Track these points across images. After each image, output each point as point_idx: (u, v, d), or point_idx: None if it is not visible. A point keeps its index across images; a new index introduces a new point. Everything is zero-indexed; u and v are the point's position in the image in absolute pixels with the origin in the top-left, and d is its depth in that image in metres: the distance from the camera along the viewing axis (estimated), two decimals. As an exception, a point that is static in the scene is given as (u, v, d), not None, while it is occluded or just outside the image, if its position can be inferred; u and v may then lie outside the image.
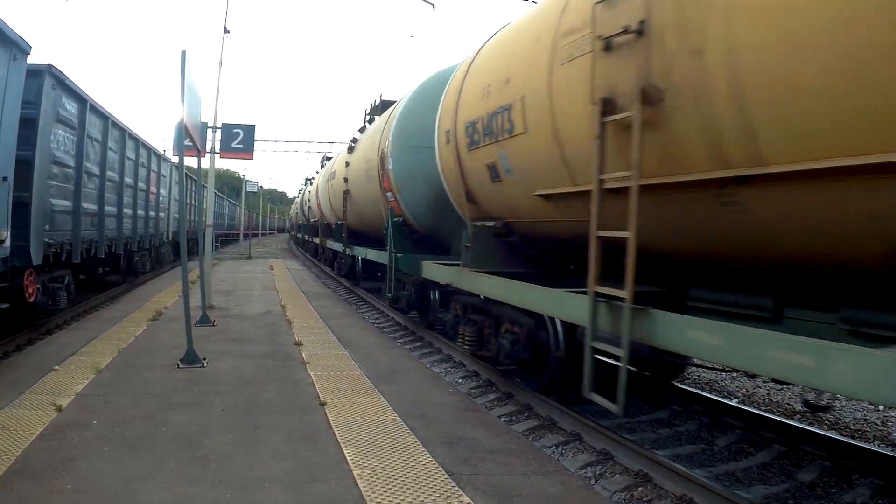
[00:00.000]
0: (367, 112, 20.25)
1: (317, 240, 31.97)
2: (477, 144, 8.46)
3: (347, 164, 19.60)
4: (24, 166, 9.99)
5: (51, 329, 12.27)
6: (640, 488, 6.09)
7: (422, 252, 13.15)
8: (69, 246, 12.34)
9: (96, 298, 16.46)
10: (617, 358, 5.39)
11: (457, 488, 5.26)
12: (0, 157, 8.95)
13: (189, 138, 10.29)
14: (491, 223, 8.91)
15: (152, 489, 4.99)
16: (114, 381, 8.16)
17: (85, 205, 13.06)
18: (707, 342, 4.83)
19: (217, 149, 15.48)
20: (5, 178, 9.11)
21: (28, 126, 10.04)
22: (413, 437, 6.50)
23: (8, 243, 9.30)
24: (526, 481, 5.60)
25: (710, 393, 9.34)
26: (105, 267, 17.60)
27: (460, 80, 9.32)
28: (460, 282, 9.59)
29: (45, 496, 4.80)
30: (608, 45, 5.39)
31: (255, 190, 56.72)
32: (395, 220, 13.75)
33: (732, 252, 5.22)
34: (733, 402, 8.86)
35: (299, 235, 50.14)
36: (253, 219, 77.02)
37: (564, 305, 6.69)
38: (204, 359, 9.38)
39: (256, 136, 16.24)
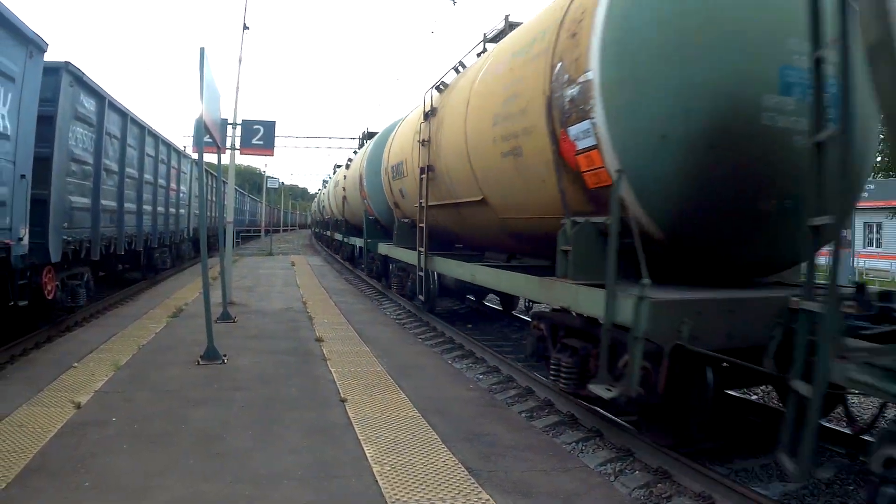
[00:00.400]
0: (360, 137, 28.80)
1: (328, 233, 40.24)
2: (393, 178, 16.32)
3: (345, 176, 27.94)
4: (42, 164, 10.03)
5: (70, 326, 12.30)
6: (658, 485, 6.01)
7: (382, 239, 19.56)
8: (88, 243, 12.36)
9: (116, 295, 16.50)
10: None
11: (476, 485, 5.19)
12: (18, 154, 8.96)
13: (209, 135, 10.26)
14: (405, 220, 16.07)
15: (170, 485, 4.95)
16: (133, 377, 8.15)
17: (104, 202, 13.08)
18: (454, 269, 11.70)
19: (237, 145, 15.45)
20: (24, 176, 9.12)
21: (46, 123, 10.07)
22: (433, 433, 6.44)
23: (26, 241, 9.32)
24: (545, 478, 5.53)
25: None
26: (125, 264, 17.66)
27: (388, 142, 17.94)
28: (392, 253, 16.97)
29: (63, 493, 4.77)
30: (422, 143, 12.76)
31: (276, 186, 56.85)
32: (369, 218, 20.96)
33: (465, 232, 12.60)
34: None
35: (317, 230, 56.05)
36: (274, 215, 77.26)
37: (413, 257, 14.09)
38: (224, 355, 9.35)
39: (277, 132, 16.28)
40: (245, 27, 14.99)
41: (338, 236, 33.31)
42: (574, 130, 6.88)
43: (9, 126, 8.68)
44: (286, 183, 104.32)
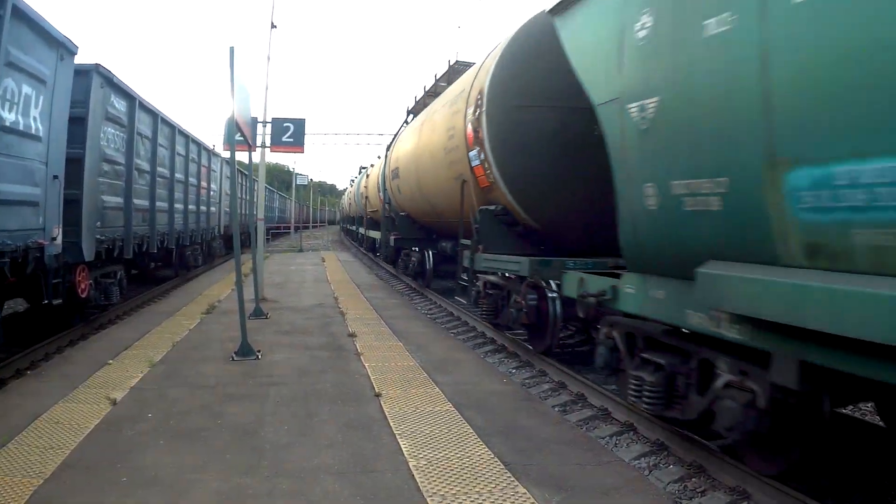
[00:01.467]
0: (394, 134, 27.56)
1: (354, 228, 44.36)
2: (392, 180, 20.16)
3: (367, 176, 33.63)
4: (74, 164, 10.15)
5: (103, 324, 12.44)
6: (693, 479, 5.98)
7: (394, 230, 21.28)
8: (121, 242, 12.49)
9: (149, 293, 16.68)
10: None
11: (512, 479, 5.14)
12: (51, 155, 9.05)
13: (240, 133, 10.29)
14: (403, 213, 19.51)
15: (208, 480, 4.96)
16: (168, 374, 8.19)
17: (136, 201, 13.22)
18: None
19: (268, 143, 15.50)
20: (56, 177, 9.22)
21: (78, 124, 10.22)
22: (468, 427, 6.39)
23: (60, 240, 9.41)
24: (581, 471, 5.46)
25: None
26: (157, 262, 17.82)
27: (384, 159, 24.25)
28: (400, 241, 20.44)
29: (101, 488, 4.79)
30: (393, 175, 19.23)
31: (305, 183, 57.07)
32: (386, 215, 23.01)
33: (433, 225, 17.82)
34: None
35: (346, 226, 58.21)
36: (303, 211, 77.61)
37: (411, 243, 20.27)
38: (258, 351, 9.38)
39: (305, 130, 16.25)
40: (273, 26, 14.99)
41: (361, 230, 37.98)
42: (472, 153, 10.96)
43: (41, 128, 8.77)
44: (314, 179, 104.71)
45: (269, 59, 15.44)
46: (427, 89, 33.62)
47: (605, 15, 6.22)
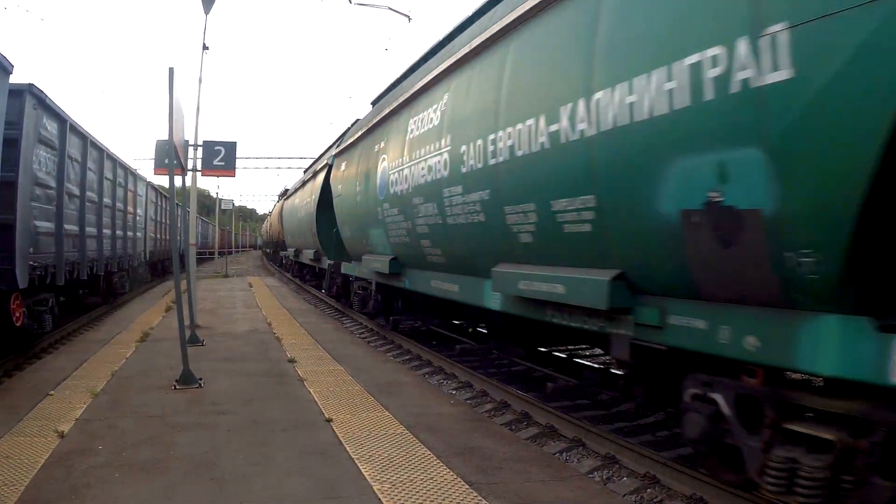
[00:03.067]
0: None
1: (279, 251, 45.44)
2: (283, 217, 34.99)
3: (281, 213, 37.78)
4: (7, 188, 9.85)
5: (37, 353, 12.08)
6: (648, 490, 6.12)
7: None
8: (53, 268, 12.16)
9: (79, 321, 16.26)
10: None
11: (479, 498, 5.20)
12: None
13: (175, 156, 10.17)
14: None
15: (172, 513, 4.88)
16: (112, 404, 8.00)
17: (67, 226, 12.87)
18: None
19: (199, 166, 15.32)
20: None
21: (10, 147, 9.88)
22: (425, 449, 6.43)
23: (-6, 267, 9.14)
24: (544, 487, 5.57)
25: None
26: (85, 288, 17.35)
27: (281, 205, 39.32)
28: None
29: (63, 525, 4.67)
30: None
31: (230, 208, 56.30)
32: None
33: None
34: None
35: (269, 251, 58.97)
36: (225, 236, 76.45)
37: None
38: (200, 379, 9.23)
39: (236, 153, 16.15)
40: (204, 47, 14.86)
41: (286, 253, 39.27)
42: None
43: (-27, 150, 8.52)
44: (236, 204, 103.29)
45: (200, 81, 15.24)
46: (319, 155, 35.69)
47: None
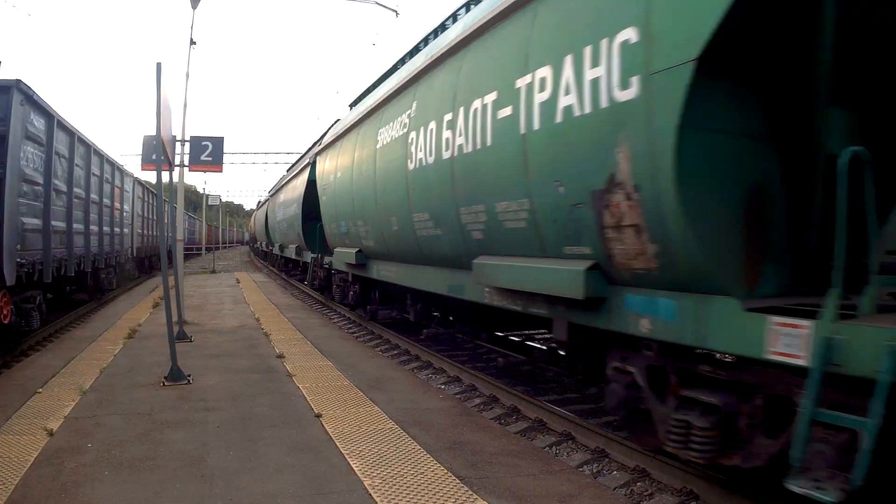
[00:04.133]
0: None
1: (266, 246, 45.40)
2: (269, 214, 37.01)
3: (267, 209, 39.76)
4: (-6, 184, 9.79)
5: (25, 350, 12.03)
6: (639, 483, 6.17)
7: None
8: (41, 265, 12.09)
9: (66, 318, 16.17)
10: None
11: (471, 493, 5.23)
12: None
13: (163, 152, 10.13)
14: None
15: (163, 511, 4.88)
16: (101, 401, 7.97)
17: (55, 223, 12.81)
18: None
19: (186, 162, 15.26)
20: None
21: (-3, 142, 9.83)
22: (415, 444, 6.46)
23: (-18, 265, 9.09)
24: (535, 481, 5.61)
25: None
26: (72, 285, 17.26)
27: (266, 203, 41.96)
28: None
29: (53, 524, 4.66)
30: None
31: (216, 203, 56.07)
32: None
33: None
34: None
35: (256, 246, 58.83)
36: (212, 232, 76.16)
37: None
38: (189, 375, 9.22)
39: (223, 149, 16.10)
40: (192, 42, 14.81)
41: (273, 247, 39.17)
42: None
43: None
44: (223, 199, 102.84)
45: (187, 76, 15.16)
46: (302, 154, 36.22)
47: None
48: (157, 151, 9.61)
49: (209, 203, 47.08)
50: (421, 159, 9.29)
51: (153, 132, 9.51)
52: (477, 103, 7.46)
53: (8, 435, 6.58)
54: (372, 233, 12.44)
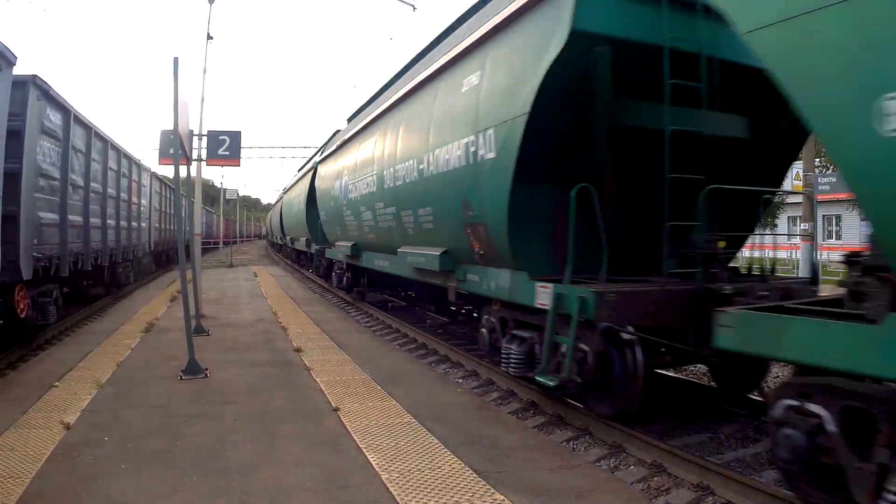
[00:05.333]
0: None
1: (283, 239, 47.58)
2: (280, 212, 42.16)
3: (281, 206, 43.13)
4: (11, 179, 9.77)
5: (41, 345, 12.05)
6: (655, 478, 6.11)
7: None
8: (57, 260, 12.13)
9: (83, 312, 16.21)
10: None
11: (488, 487, 5.18)
12: (-12, 170, 8.74)
13: (180, 146, 10.12)
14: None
15: (179, 505, 4.85)
16: (118, 395, 7.98)
17: (71, 217, 12.84)
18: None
19: (203, 156, 15.27)
20: None
21: (14, 138, 9.83)
22: (433, 438, 6.42)
23: (-1, 259, 9.10)
24: (552, 475, 5.57)
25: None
26: (89, 279, 17.32)
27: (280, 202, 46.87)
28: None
29: (68, 519, 4.64)
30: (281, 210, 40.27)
31: (234, 198, 56.26)
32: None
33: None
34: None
35: (273, 240, 59.57)
36: (230, 226, 76.47)
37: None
38: (206, 369, 9.22)
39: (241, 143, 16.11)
40: (209, 37, 14.81)
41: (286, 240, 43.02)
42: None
43: (-24, 141, 8.47)
44: (240, 194, 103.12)
45: (205, 71, 15.18)
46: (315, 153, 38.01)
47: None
48: (175, 146, 9.58)
49: (227, 197, 47.22)
50: (380, 182, 12.88)
51: (170, 127, 9.50)
52: (412, 157, 11.00)
53: (24, 429, 6.57)
54: (356, 231, 15.80)
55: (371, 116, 14.32)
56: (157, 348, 10.98)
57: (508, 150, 7.45)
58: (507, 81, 7.78)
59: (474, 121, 8.44)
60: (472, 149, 8.44)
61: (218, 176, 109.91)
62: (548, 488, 5.24)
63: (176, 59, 8.74)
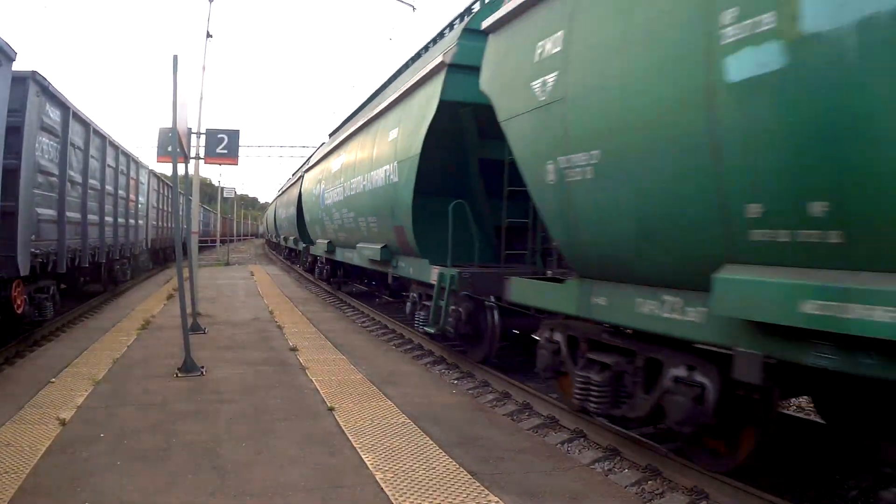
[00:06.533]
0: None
1: (278, 239, 49.63)
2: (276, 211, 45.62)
3: (276, 206, 45.94)
4: (9, 175, 9.78)
5: (38, 341, 12.05)
6: (650, 482, 6.11)
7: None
8: (55, 256, 12.12)
9: (80, 308, 16.23)
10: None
11: (482, 488, 5.20)
12: (-14, 166, 8.74)
13: (178, 144, 10.13)
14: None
15: (174, 502, 4.87)
16: (114, 392, 7.99)
17: (69, 213, 12.82)
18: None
19: (201, 154, 15.28)
20: None
21: (13, 134, 9.82)
22: (427, 439, 6.44)
23: (-5, 254, 9.10)
24: (547, 478, 5.59)
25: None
26: (86, 276, 17.31)
27: (274, 204, 50.41)
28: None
29: (63, 515, 4.65)
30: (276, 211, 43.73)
31: (232, 195, 56.21)
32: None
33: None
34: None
35: (270, 239, 60.00)
36: (227, 224, 76.40)
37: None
38: (202, 367, 9.24)
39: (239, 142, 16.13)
40: (208, 35, 14.83)
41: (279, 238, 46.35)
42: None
43: (-25, 137, 8.46)
44: (238, 192, 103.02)
45: (204, 69, 15.21)
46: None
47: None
48: (173, 143, 9.60)
49: (224, 195, 47.18)
50: (346, 192, 15.77)
51: (169, 125, 9.52)
52: (362, 174, 14.16)
53: (20, 424, 6.58)
54: (331, 231, 18.55)
55: (341, 138, 17.70)
56: (153, 345, 10.99)
57: (410, 176, 10.68)
58: (410, 130, 11.16)
59: (393, 154, 11.85)
60: (392, 175, 11.77)
61: (216, 174, 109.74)
62: (542, 490, 5.26)
63: (175, 58, 8.76)
